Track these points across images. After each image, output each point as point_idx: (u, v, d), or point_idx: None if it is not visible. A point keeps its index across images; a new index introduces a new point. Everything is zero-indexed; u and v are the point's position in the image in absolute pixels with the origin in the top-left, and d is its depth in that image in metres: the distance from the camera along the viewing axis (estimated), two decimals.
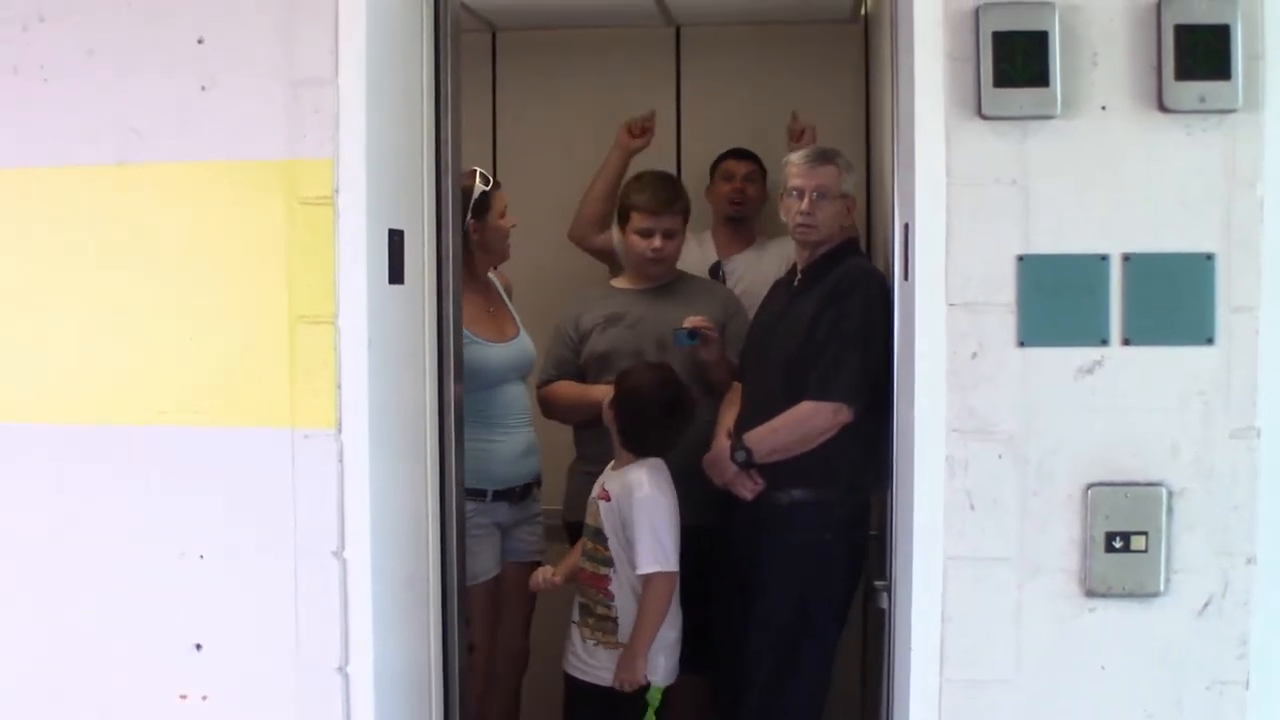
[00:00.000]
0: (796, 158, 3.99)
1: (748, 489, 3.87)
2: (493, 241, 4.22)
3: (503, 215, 4.22)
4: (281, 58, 2.79)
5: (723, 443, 3.93)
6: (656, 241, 4.35)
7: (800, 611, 3.86)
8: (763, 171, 4.85)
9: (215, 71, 2.81)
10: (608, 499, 3.96)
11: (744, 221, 4.88)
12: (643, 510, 3.90)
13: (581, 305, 4.49)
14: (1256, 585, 2.67)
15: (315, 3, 2.77)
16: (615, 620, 3.94)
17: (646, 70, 5.25)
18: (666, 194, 4.41)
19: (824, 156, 3.96)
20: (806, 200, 3.90)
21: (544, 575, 4.08)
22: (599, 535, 3.96)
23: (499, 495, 4.17)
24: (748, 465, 3.84)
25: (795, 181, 3.94)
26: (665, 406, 4.00)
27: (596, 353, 4.38)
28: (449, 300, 3.16)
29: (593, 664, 3.96)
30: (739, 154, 4.90)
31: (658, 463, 3.99)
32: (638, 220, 4.38)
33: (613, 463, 4.04)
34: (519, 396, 4.27)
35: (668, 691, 3.99)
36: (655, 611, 3.89)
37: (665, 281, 4.47)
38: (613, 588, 3.95)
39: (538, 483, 4.36)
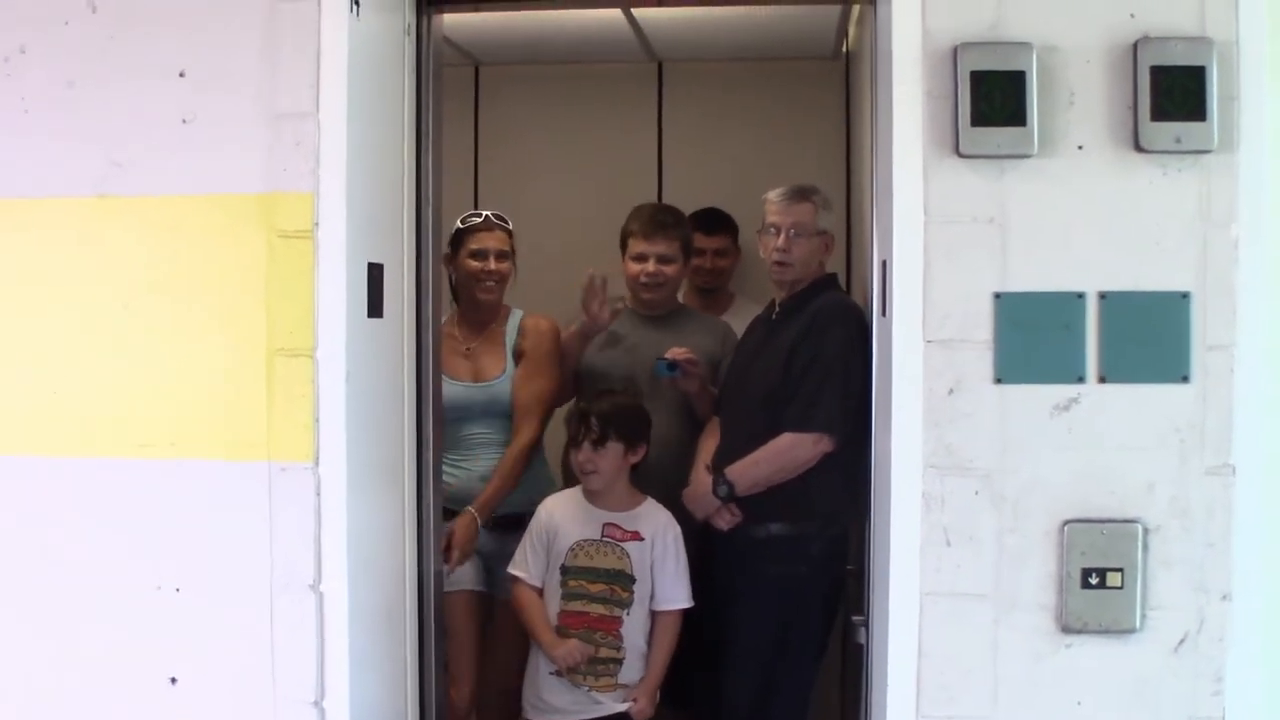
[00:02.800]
0: (774, 195, 4.02)
1: (726, 521, 3.87)
2: (463, 281, 4.23)
3: (474, 255, 4.21)
4: (263, 91, 2.80)
5: (703, 476, 3.94)
6: (650, 266, 4.36)
7: (777, 645, 3.86)
8: (734, 235, 4.85)
9: (196, 105, 2.82)
10: (640, 538, 3.97)
11: (717, 291, 4.89)
12: (680, 547, 4.00)
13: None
14: (1232, 622, 2.67)
15: (297, 37, 2.78)
16: (620, 662, 3.94)
17: (629, 105, 5.29)
18: (661, 219, 4.43)
19: (801, 194, 3.98)
20: (783, 237, 3.93)
21: (581, 651, 3.93)
22: (619, 577, 3.95)
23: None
24: (729, 499, 3.84)
25: (772, 219, 3.97)
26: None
27: (592, 369, 4.39)
28: (428, 334, 3.16)
29: (572, 707, 3.95)
30: (709, 225, 4.85)
31: None
32: (634, 245, 4.40)
33: (588, 503, 4.02)
34: (483, 433, 4.23)
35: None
36: (673, 644, 3.99)
37: (668, 310, 4.48)
38: (623, 629, 3.95)
39: (520, 522, 4.20)
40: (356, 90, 2.81)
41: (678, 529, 4.01)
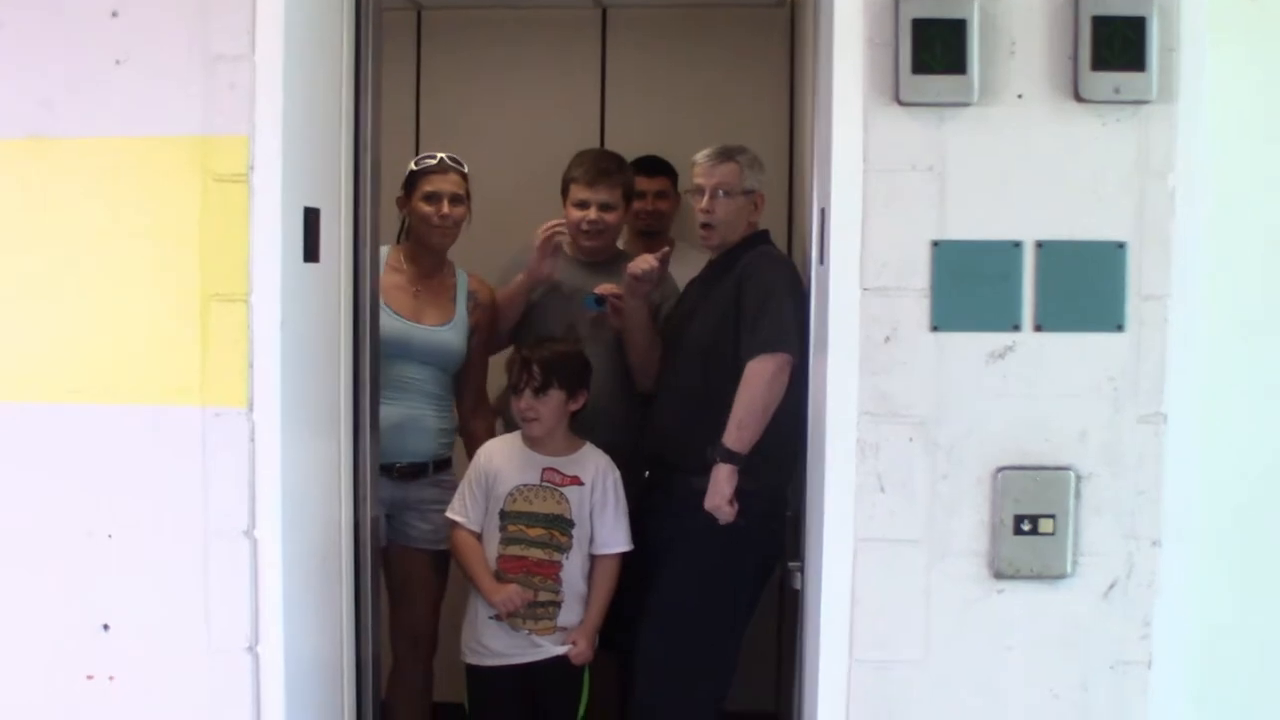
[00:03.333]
0: (700, 156, 4.05)
1: (728, 515, 3.82)
2: (415, 224, 4.20)
3: (427, 199, 4.17)
4: (198, 33, 2.75)
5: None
6: (592, 213, 4.34)
7: (704, 596, 3.88)
8: (674, 179, 4.84)
9: (130, 46, 2.77)
10: (580, 483, 3.98)
11: (658, 234, 4.87)
12: (619, 491, 4.03)
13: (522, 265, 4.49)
14: (1160, 568, 2.71)
15: None
16: (559, 605, 3.96)
17: (572, 51, 5.24)
18: (603, 166, 4.41)
19: (726, 154, 4.00)
20: (707, 197, 3.96)
21: (520, 596, 3.95)
22: (558, 521, 3.96)
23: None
24: (731, 459, 3.77)
25: (698, 180, 4.01)
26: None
27: (532, 315, 4.38)
28: (366, 279, 3.14)
29: (510, 650, 3.98)
30: (650, 168, 4.84)
31: None
32: (576, 192, 4.38)
33: (527, 448, 4.03)
34: (415, 378, 4.16)
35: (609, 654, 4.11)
36: (612, 588, 4.03)
37: (609, 257, 4.47)
38: (563, 573, 3.96)
39: (432, 468, 4.22)
40: (293, 33, 2.77)
41: (617, 474, 4.03)
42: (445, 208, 4.17)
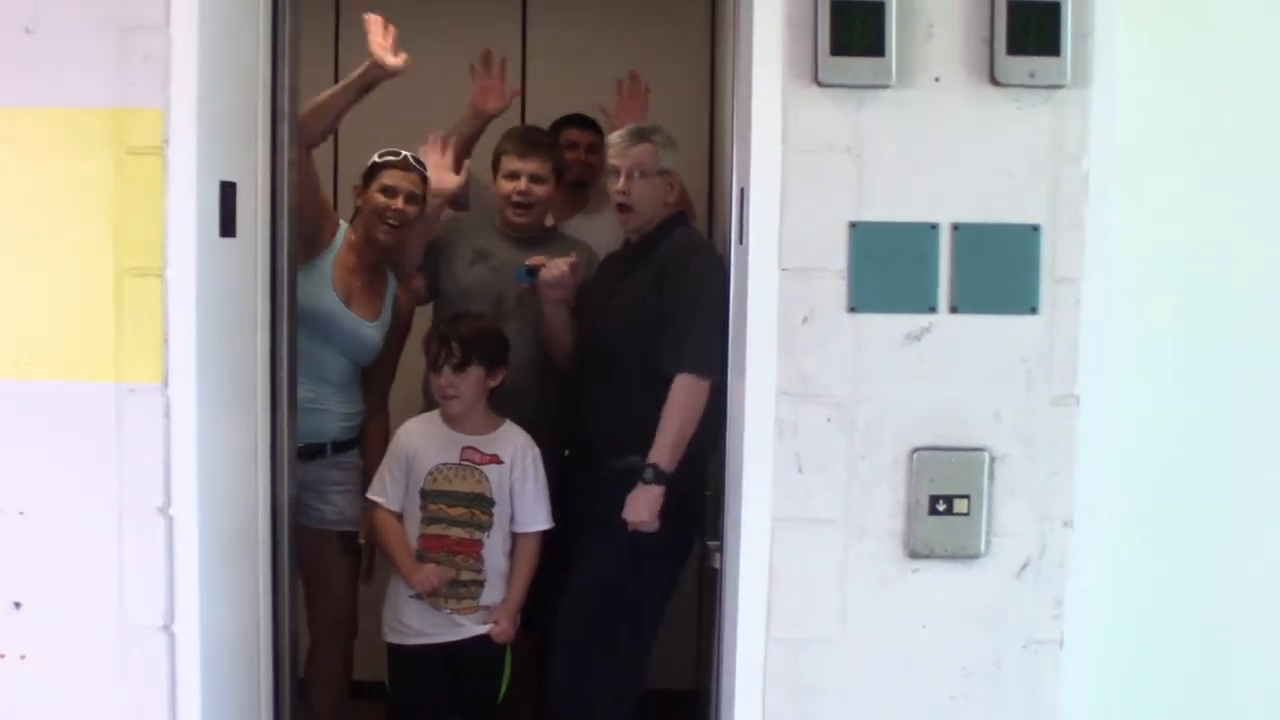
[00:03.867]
0: (615, 137, 4.07)
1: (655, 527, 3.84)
2: (367, 215, 4.16)
3: (383, 191, 4.14)
4: (111, 2, 2.71)
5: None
6: (522, 184, 4.35)
7: (628, 572, 3.89)
8: (603, 136, 4.85)
9: (40, 13, 2.72)
10: (499, 461, 3.96)
11: (583, 187, 4.87)
12: (539, 468, 4.04)
13: (457, 233, 4.50)
14: (1072, 548, 2.74)
15: None
16: (482, 584, 3.96)
17: (492, 25, 5.22)
18: (535, 138, 4.44)
19: (640, 135, 4.01)
20: (623, 179, 3.96)
21: (439, 576, 3.95)
22: (478, 500, 3.95)
23: None
24: (659, 480, 3.79)
25: (613, 161, 4.01)
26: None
27: (459, 286, 4.37)
28: (283, 254, 3.10)
29: (431, 629, 3.97)
30: (580, 122, 4.87)
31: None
32: (506, 163, 4.40)
33: (446, 427, 4.02)
34: (327, 364, 4.13)
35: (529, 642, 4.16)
36: (534, 566, 4.05)
37: (538, 232, 4.46)
38: (484, 552, 3.96)
39: (330, 449, 4.17)
40: (209, 3, 2.73)
41: (536, 451, 4.03)
42: (400, 203, 4.16)
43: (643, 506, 3.78)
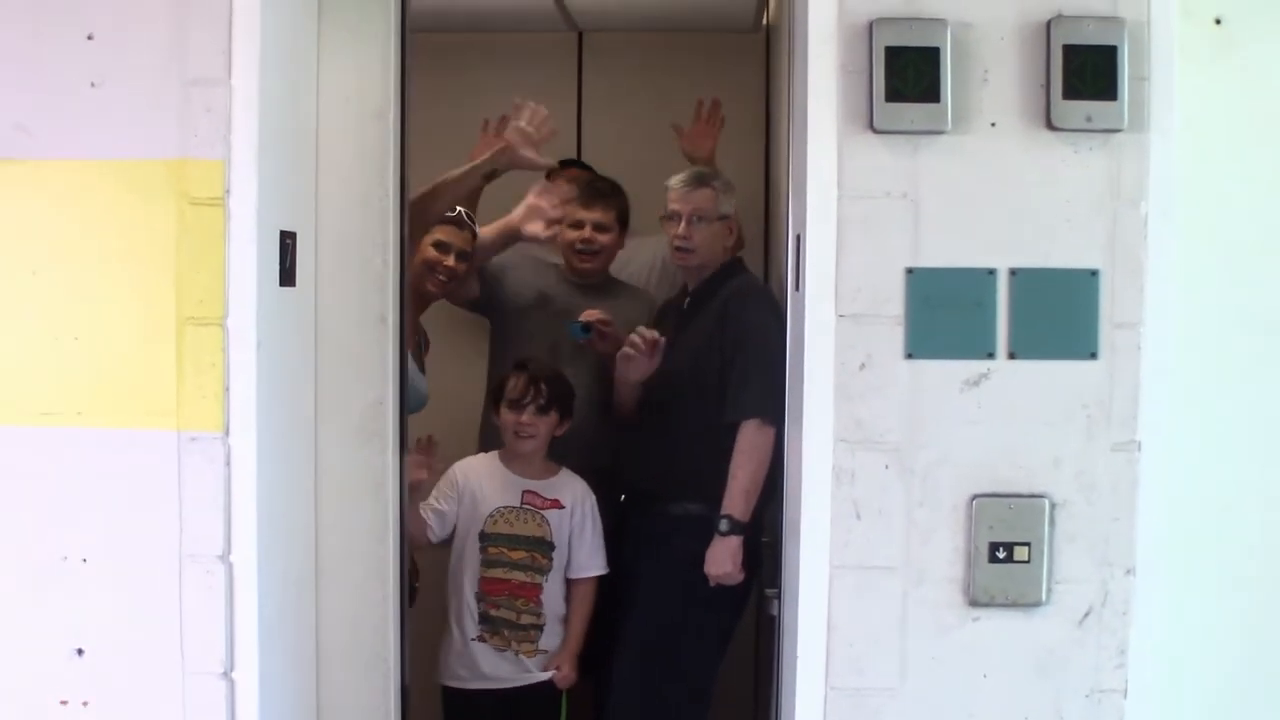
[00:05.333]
0: (675, 182, 4.07)
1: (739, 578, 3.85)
2: (418, 267, 4.17)
3: (437, 245, 4.17)
4: (174, 56, 2.75)
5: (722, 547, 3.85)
6: (586, 232, 4.38)
7: (686, 620, 3.88)
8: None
9: (105, 68, 2.77)
10: (561, 506, 3.98)
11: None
12: (596, 515, 4.08)
13: (520, 269, 4.51)
14: (1135, 596, 2.71)
15: (209, 1, 2.73)
16: (542, 628, 3.96)
17: (549, 75, 5.26)
18: (599, 187, 4.48)
19: (700, 180, 4.03)
20: (684, 224, 3.96)
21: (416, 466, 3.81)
22: (539, 544, 3.96)
23: None
24: (738, 530, 3.79)
25: (673, 205, 4.02)
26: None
27: (520, 331, 4.40)
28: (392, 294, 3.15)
29: (496, 673, 3.97)
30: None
31: None
32: (570, 212, 4.42)
33: (506, 469, 4.03)
34: None
35: (587, 684, 4.14)
36: (590, 611, 4.07)
37: (601, 281, 4.48)
38: (543, 596, 3.97)
39: None
40: (269, 57, 2.77)
41: (593, 498, 4.07)
42: (451, 260, 4.20)
43: (725, 558, 3.79)
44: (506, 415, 4.04)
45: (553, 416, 4.03)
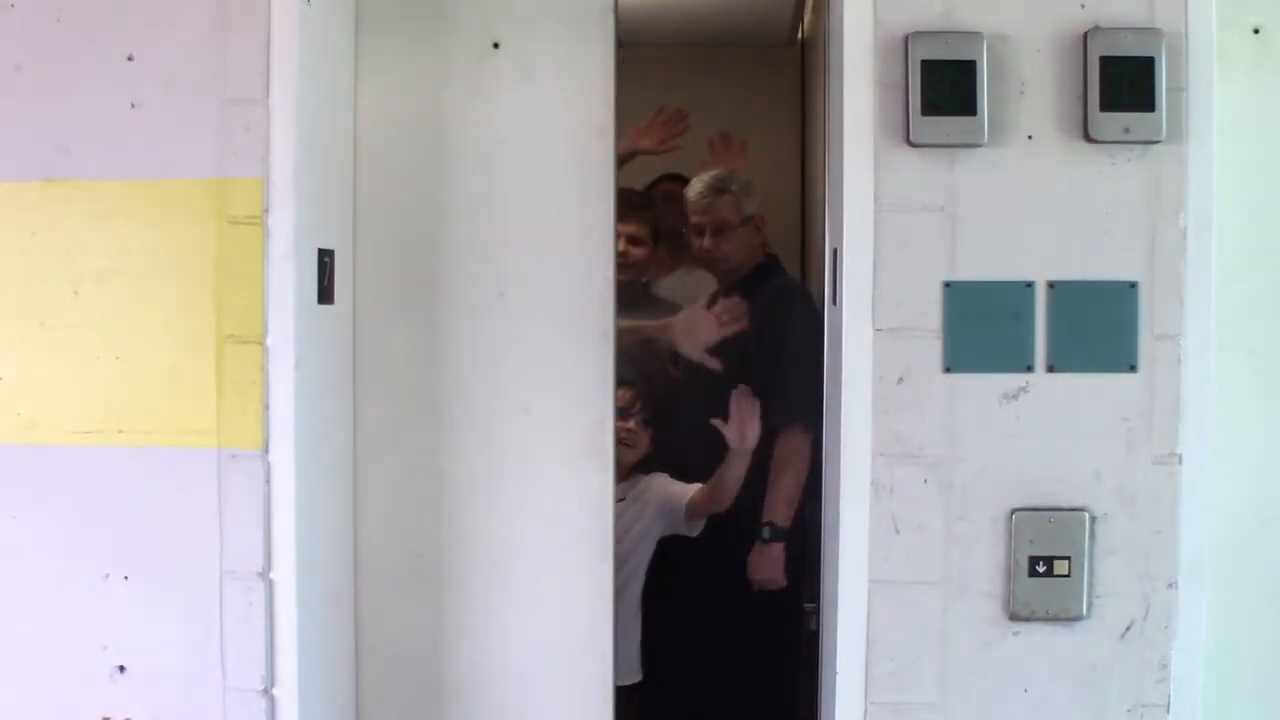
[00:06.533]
0: (693, 194, 4.03)
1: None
2: None
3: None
4: (212, 76, 2.77)
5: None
6: (620, 245, 4.37)
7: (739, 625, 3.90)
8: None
9: (145, 89, 2.80)
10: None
11: (680, 236, 4.84)
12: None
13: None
14: (1177, 609, 2.69)
15: (247, 22, 2.76)
16: None
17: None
18: (632, 200, 4.41)
19: (719, 187, 3.99)
20: (708, 237, 3.95)
21: None
22: None
23: None
24: (780, 537, 3.84)
25: (695, 218, 4.00)
26: None
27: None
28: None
29: None
30: (676, 177, 4.84)
31: None
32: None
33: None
34: None
35: (632, 690, 4.02)
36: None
37: (637, 294, 4.46)
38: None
39: None
40: (307, 76, 2.79)
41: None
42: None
43: (768, 565, 3.82)
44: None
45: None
